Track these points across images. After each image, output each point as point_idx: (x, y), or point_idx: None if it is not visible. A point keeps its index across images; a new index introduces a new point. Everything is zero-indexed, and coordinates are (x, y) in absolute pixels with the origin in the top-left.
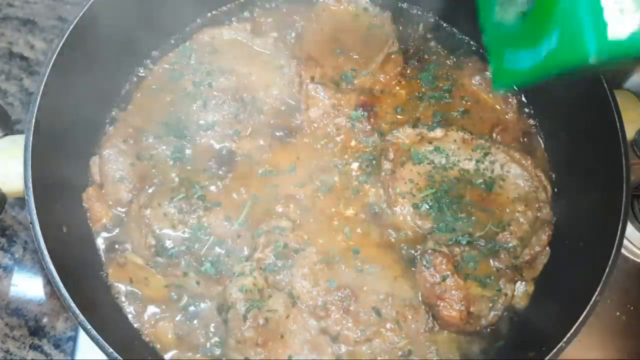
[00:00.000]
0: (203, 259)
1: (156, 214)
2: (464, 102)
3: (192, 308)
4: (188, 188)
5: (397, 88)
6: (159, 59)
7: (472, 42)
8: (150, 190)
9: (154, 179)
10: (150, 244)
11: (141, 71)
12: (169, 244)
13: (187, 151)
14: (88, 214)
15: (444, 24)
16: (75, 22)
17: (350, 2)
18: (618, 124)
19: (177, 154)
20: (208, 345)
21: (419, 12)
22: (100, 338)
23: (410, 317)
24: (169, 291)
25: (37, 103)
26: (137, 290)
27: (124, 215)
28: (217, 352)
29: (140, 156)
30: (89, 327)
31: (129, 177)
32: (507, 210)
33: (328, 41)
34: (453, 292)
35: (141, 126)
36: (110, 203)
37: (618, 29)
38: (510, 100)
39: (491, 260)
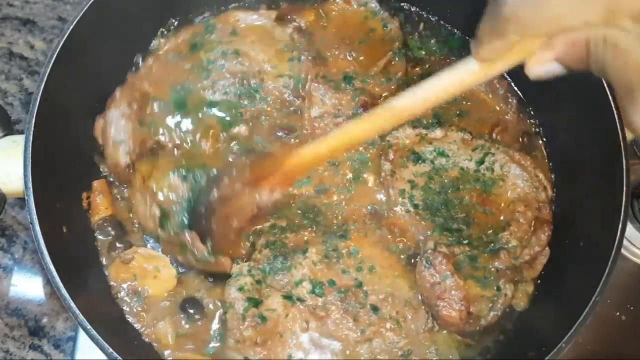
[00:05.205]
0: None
1: (160, 185)
2: (464, 102)
3: (192, 308)
4: (190, 159)
5: (398, 89)
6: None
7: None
8: (151, 159)
9: (155, 147)
10: (155, 215)
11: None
12: (173, 214)
13: (190, 126)
14: (89, 212)
15: (445, 24)
16: (75, 22)
17: (360, 4)
18: (618, 124)
19: (181, 126)
20: (208, 345)
21: (419, 12)
22: (100, 338)
23: (410, 317)
24: (169, 291)
25: (37, 103)
26: (137, 291)
27: (124, 205)
28: (217, 352)
29: (142, 122)
30: (89, 327)
31: (129, 140)
32: (507, 210)
33: (335, 41)
34: (453, 292)
35: (147, 92)
36: (111, 179)
37: None
38: (510, 100)
39: (491, 261)
